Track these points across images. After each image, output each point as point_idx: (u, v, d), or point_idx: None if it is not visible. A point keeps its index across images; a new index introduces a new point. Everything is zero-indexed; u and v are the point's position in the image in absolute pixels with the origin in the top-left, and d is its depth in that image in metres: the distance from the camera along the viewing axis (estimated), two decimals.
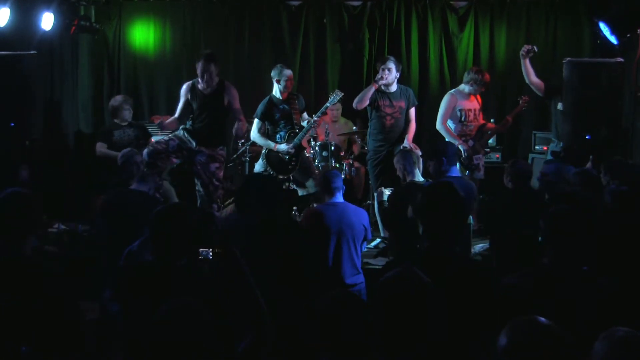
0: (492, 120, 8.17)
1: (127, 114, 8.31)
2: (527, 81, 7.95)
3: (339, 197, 5.93)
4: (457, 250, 3.58)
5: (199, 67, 7.27)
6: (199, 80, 7.33)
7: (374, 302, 2.90)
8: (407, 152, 6.53)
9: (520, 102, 8.15)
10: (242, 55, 10.08)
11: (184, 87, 7.51)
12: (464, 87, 8.08)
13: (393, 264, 3.65)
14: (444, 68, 9.97)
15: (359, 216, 5.87)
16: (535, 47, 7.82)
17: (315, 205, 7.67)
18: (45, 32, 8.60)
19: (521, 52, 7.87)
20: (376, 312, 2.82)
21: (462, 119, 7.99)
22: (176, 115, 7.56)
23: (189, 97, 7.43)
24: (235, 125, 7.19)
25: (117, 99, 8.39)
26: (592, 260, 3.75)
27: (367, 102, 7.67)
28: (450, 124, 8.01)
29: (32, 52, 7.78)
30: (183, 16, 10.10)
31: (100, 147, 8.19)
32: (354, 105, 7.77)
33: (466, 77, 8.10)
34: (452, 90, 8.24)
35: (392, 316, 2.79)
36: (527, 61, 7.82)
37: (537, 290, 3.36)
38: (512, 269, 3.68)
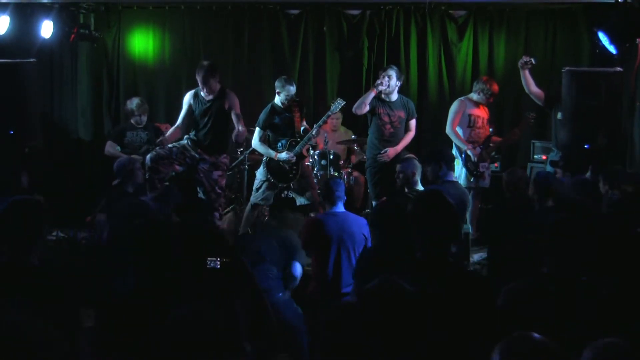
0: (491, 129, 8.18)
1: (141, 117, 8.34)
2: (527, 91, 7.99)
3: (340, 207, 5.93)
4: (450, 258, 3.55)
5: (199, 78, 7.33)
6: (201, 88, 7.39)
7: (361, 312, 2.91)
8: (413, 161, 6.51)
9: (527, 118, 8.16)
10: (242, 63, 10.07)
11: (187, 96, 7.58)
12: (473, 95, 8.17)
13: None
14: (442, 77, 9.97)
15: (359, 225, 5.86)
16: (532, 59, 7.87)
17: (313, 214, 7.69)
18: (44, 40, 8.62)
19: (519, 64, 7.92)
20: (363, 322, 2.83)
21: (471, 124, 8.04)
22: (178, 123, 7.60)
23: (192, 104, 7.48)
24: (235, 131, 7.21)
25: (133, 102, 8.43)
26: (592, 269, 3.75)
27: (367, 107, 7.68)
28: (459, 129, 8.04)
29: (31, 59, 7.79)
30: (182, 24, 10.10)
31: (109, 147, 8.27)
32: (353, 109, 7.80)
33: (475, 85, 8.19)
34: (462, 97, 8.33)
35: (374, 327, 2.79)
36: (527, 72, 7.87)
37: (537, 299, 3.36)
38: (510, 277, 3.67)
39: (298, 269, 5.59)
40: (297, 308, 5.52)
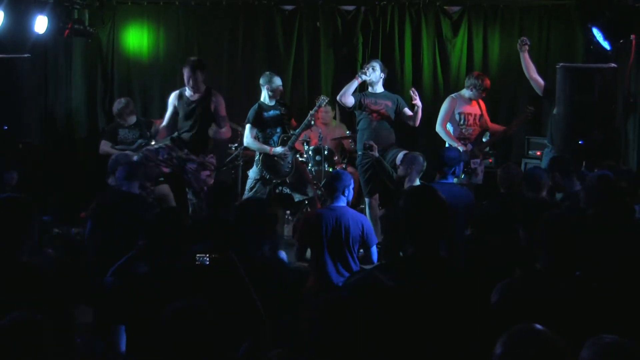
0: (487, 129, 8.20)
1: (128, 118, 8.34)
2: (527, 76, 7.98)
3: (341, 201, 5.90)
4: (442, 254, 3.53)
5: (185, 73, 7.39)
6: (186, 86, 7.45)
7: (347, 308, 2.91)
8: (418, 157, 6.50)
9: (526, 112, 8.18)
10: (236, 59, 10.07)
11: (172, 96, 7.63)
12: (465, 92, 8.13)
13: (382, 268, 3.64)
14: (437, 73, 9.98)
15: (357, 220, 5.85)
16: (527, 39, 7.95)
17: (310, 209, 7.69)
18: (39, 35, 8.58)
19: (518, 46, 7.96)
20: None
21: (461, 122, 8.03)
22: (164, 123, 7.65)
23: (176, 105, 7.53)
24: (213, 129, 7.26)
25: (121, 102, 8.42)
26: (586, 265, 3.76)
27: (350, 98, 7.71)
28: (449, 127, 8.04)
29: (25, 55, 7.76)
30: (177, 20, 10.10)
31: (104, 146, 8.27)
32: (338, 98, 7.83)
33: (467, 81, 8.16)
34: (453, 94, 8.30)
35: (358, 324, 2.79)
36: (526, 55, 7.91)
37: (530, 295, 3.36)
38: (504, 273, 3.67)
39: (283, 254, 5.69)
40: None
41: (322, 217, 5.76)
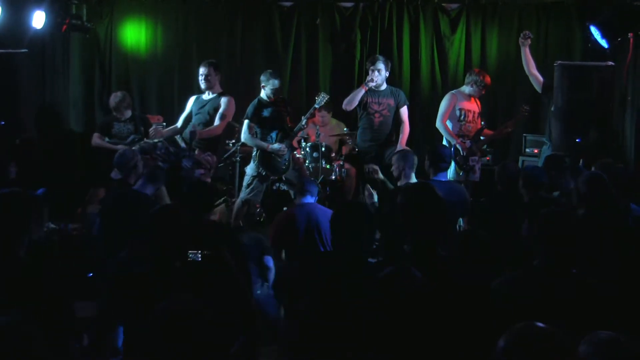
0: (483, 122, 8.18)
1: (124, 112, 8.34)
2: (526, 72, 7.97)
3: (309, 199, 5.98)
4: (440, 251, 3.54)
5: (203, 70, 7.68)
6: (200, 83, 7.73)
7: (369, 300, 2.90)
8: (408, 154, 6.50)
9: (521, 111, 8.16)
10: (234, 55, 10.07)
11: (191, 99, 7.92)
12: (465, 88, 8.12)
13: (382, 265, 3.64)
14: (435, 70, 9.98)
15: (327, 215, 5.87)
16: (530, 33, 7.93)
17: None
18: (36, 30, 8.56)
19: (520, 40, 7.93)
20: (373, 310, 2.82)
21: (462, 118, 8.02)
22: (178, 124, 7.87)
23: (193, 103, 7.80)
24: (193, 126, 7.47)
25: (118, 95, 8.42)
26: (583, 262, 3.76)
27: (357, 103, 7.70)
28: (449, 123, 8.03)
29: (23, 50, 7.76)
30: (175, 15, 10.09)
31: (96, 138, 8.26)
32: (343, 106, 7.84)
33: (467, 78, 8.15)
34: (453, 90, 8.29)
35: (390, 314, 2.79)
36: (527, 50, 7.87)
37: (528, 291, 3.37)
38: (501, 271, 3.68)
39: (270, 260, 5.76)
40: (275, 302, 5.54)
41: (295, 214, 5.85)
